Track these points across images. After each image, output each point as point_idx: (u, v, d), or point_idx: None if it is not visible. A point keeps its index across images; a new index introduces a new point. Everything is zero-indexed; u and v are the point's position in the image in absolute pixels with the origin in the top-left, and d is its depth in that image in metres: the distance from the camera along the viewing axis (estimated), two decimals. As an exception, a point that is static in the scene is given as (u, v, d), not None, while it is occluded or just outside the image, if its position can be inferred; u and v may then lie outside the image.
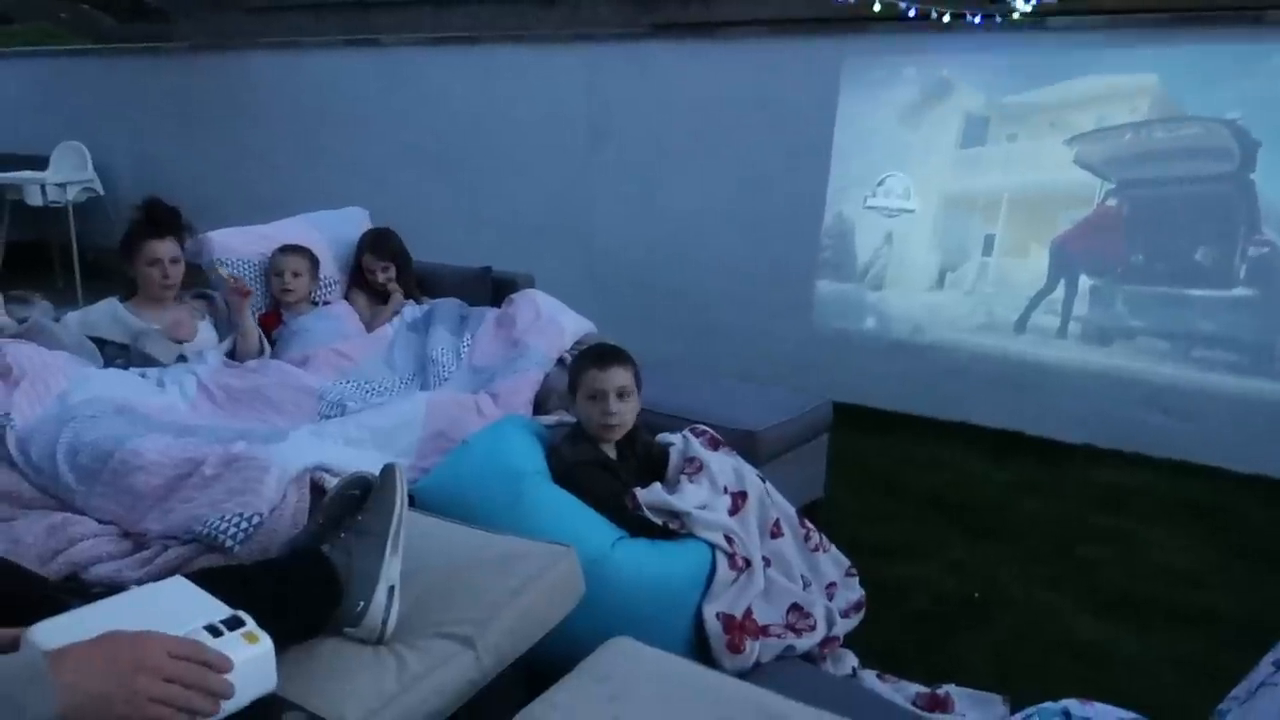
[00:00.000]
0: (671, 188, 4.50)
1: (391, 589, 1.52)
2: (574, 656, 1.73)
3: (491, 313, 3.09)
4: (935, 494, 3.32)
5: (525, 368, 2.72)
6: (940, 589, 2.66)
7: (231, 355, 2.82)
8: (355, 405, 2.49)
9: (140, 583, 1.74)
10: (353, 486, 1.65)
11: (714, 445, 2.28)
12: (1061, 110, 3.71)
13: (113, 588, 1.72)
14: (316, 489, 1.90)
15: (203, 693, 0.96)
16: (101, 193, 6.03)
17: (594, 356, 2.20)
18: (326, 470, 1.93)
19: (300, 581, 1.47)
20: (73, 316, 2.68)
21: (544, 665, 1.68)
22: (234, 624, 1.05)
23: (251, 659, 1.01)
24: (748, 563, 1.97)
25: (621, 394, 2.13)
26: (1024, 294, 3.87)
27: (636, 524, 1.99)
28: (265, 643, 1.04)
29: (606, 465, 2.14)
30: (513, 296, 3.12)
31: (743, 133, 4.26)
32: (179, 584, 1.15)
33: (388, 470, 1.61)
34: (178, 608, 1.09)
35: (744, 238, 4.35)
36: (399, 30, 5.93)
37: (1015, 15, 3.74)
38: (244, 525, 1.76)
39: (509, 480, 1.97)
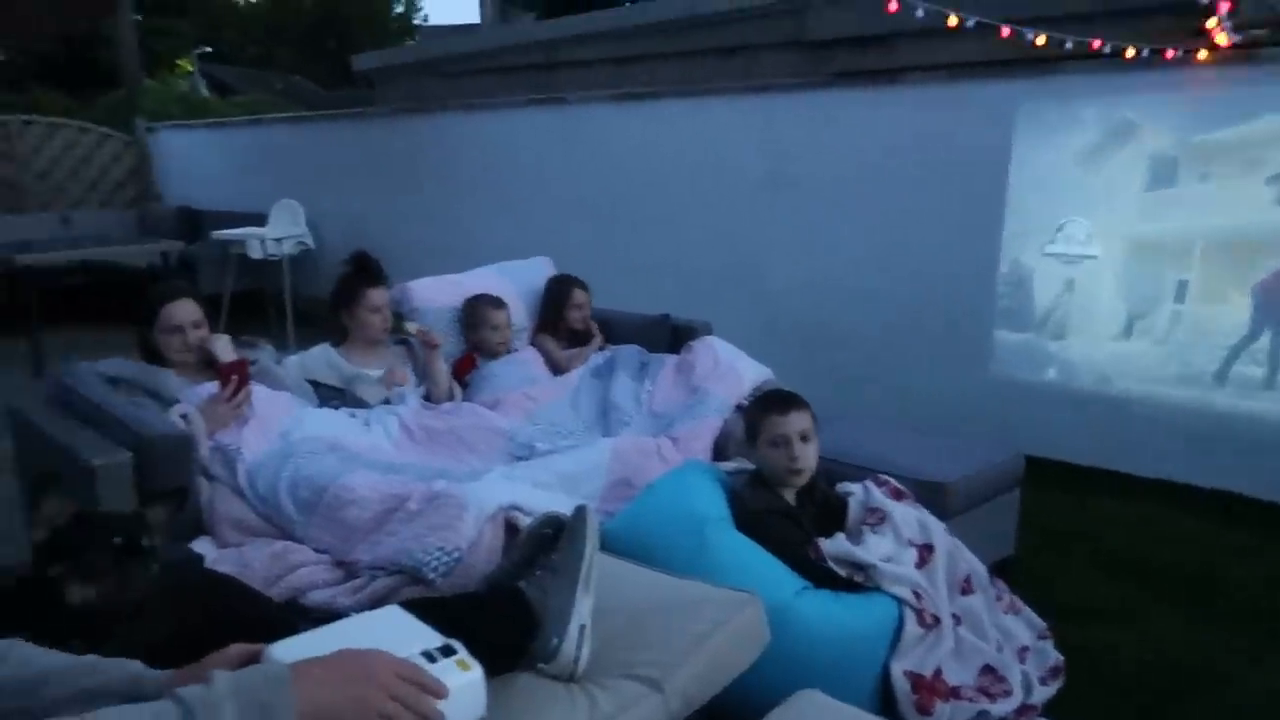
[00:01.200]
0: (845, 236, 4.47)
1: (583, 627, 1.57)
2: (755, 707, 1.72)
3: (671, 359, 3.15)
4: (1135, 555, 3.10)
5: (705, 414, 2.76)
6: (1143, 658, 2.48)
7: (426, 398, 3.00)
8: (544, 446, 2.59)
9: (352, 609, 1.87)
10: (546, 526, 1.72)
11: (896, 496, 2.23)
12: (1259, 148, 3.45)
13: (329, 613, 1.86)
14: (510, 527, 1.99)
15: (419, 715, 1.03)
16: (312, 246, 6.56)
17: (774, 402, 2.21)
18: (519, 509, 2.02)
19: (498, 615, 1.54)
20: (292, 360, 2.93)
21: (724, 713, 1.68)
22: (447, 651, 1.11)
23: (464, 686, 1.08)
24: (936, 619, 1.91)
25: (804, 437, 2.13)
26: (1224, 343, 3.59)
27: (819, 574, 1.97)
28: (476, 671, 1.10)
29: (788, 513, 2.14)
30: (691, 344, 3.18)
31: (918, 179, 4.19)
32: (394, 612, 1.24)
33: (580, 511, 1.67)
34: (396, 634, 1.17)
35: (918, 286, 4.26)
36: (582, 88, 6.20)
37: (1213, 49, 3.54)
38: (445, 559, 1.87)
39: (693, 525, 1.99)
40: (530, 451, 2.57)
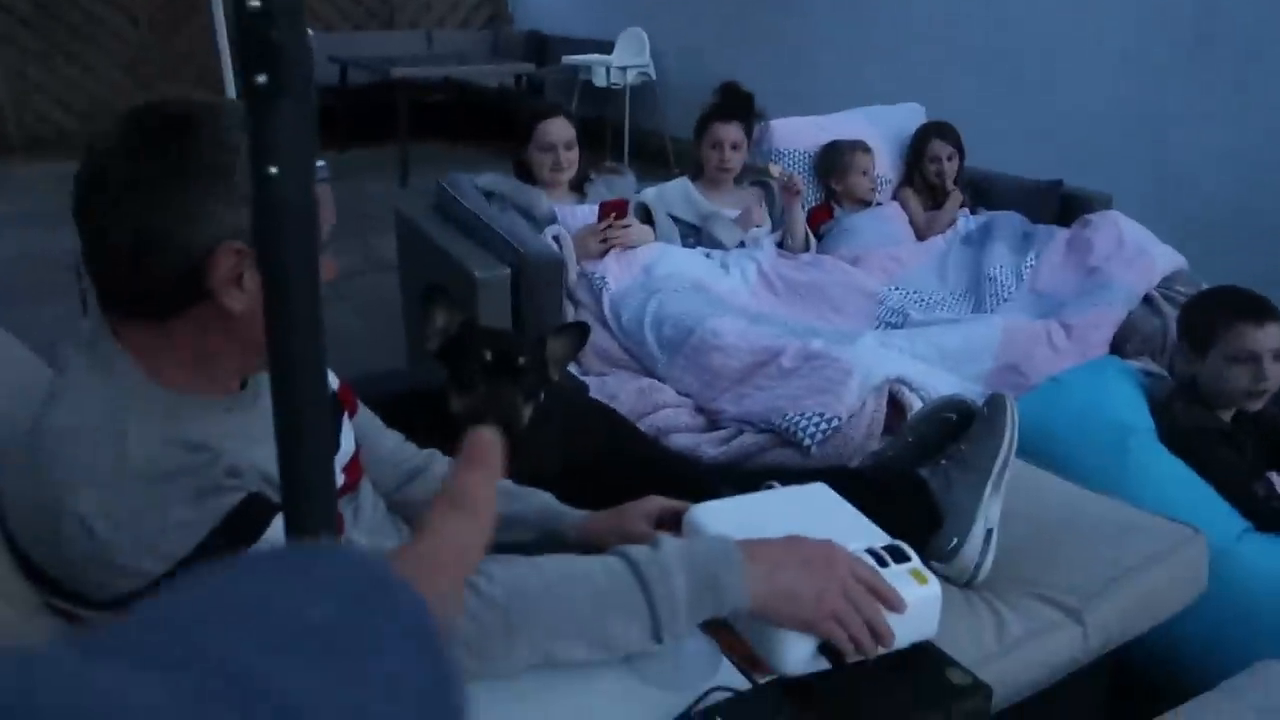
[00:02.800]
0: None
1: (989, 531, 1.38)
2: (1173, 660, 1.48)
3: (1061, 233, 2.74)
4: None
5: (1107, 300, 2.36)
6: None
7: (779, 245, 2.82)
8: (917, 315, 2.34)
9: (718, 460, 1.78)
10: (948, 409, 1.51)
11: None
12: None
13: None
14: (892, 403, 1.80)
15: (869, 626, 0.88)
16: (654, 77, 6.46)
17: (1243, 306, 1.79)
18: (906, 384, 1.81)
19: (896, 500, 1.38)
20: (650, 192, 2.83)
21: (1137, 660, 1.45)
22: (898, 555, 0.95)
23: (920, 601, 0.91)
24: None
25: (1277, 356, 1.73)
26: None
27: (1268, 516, 1.62)
28: (934, 586, 0.93)
29: (1228, 437, 1.77)
30: (1089, 217, 2.74)
31: None
32: (823, 492, 1.09)
33: (997, 401, 1.44)
34: (832, 520, 1.03)
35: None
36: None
37: None
38: (822, 426, 1.71)
39: (1112, 434, 1.69)
40: (902, 320, 2.33)
